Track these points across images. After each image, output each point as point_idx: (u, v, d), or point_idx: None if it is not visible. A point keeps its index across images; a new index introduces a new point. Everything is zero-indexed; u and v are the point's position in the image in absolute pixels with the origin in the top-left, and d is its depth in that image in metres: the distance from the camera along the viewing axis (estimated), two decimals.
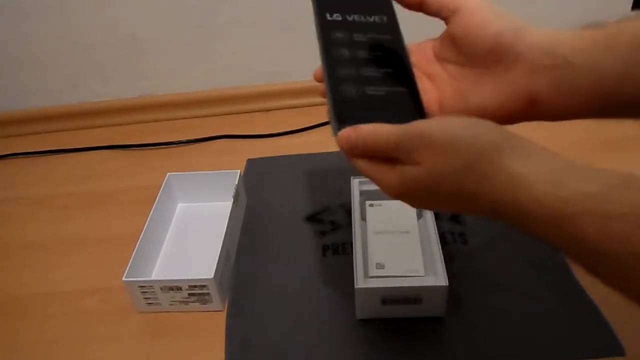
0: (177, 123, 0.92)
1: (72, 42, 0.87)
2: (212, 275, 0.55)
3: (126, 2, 0.83)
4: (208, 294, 0.57)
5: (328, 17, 0.43)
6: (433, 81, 0.43)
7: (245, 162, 0.79)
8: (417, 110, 0.38)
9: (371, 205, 0.63)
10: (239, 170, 0.68)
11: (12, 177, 0.85)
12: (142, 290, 0.57)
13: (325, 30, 0.42)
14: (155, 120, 0.93)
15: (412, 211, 0.62)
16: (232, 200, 0.65)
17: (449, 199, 0.34)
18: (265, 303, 0.58)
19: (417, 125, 0.34)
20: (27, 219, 0.76)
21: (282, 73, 0.91)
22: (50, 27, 0.85)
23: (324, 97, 0.39)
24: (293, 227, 0.67)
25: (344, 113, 0.37)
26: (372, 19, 0.44)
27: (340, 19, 0.43)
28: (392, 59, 0.41)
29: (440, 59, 0.43)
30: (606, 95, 0.35)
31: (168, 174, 0.70)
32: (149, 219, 0.63)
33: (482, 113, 0.38)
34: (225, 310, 0.58)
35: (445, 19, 0.41)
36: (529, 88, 0.37)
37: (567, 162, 0.32)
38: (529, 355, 0.50)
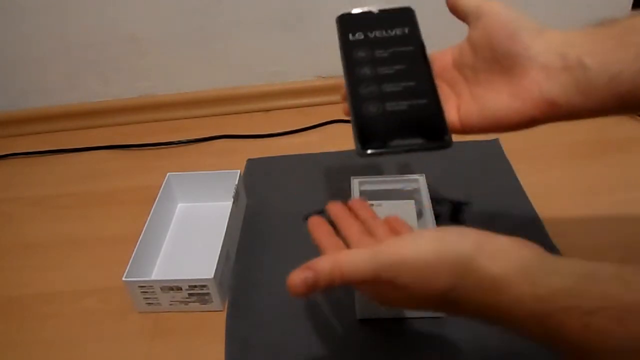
0: (177, 123, 0.92)
1: (72, 42, 0.87)
2: (212, 275, 0.55)
3: (126, 2, 0.83)
4: (208, 294, 0.57)
5: (351, 37, 0.44)
6: (452, 87, 0.43)
7: (245, 162, 0.79)
8: (439, 127, 0.38)
9: (371, 205, 0.63)
10: (239, 170, 0.68)
11: (12, 177, 0.85)
12: (142, 290, 0.57)
13: (348, 51, 0.43)
14: (155, 120, 0.93)
15: (412, 211, 0.62)
16: (232, 200, 0.65)
17: (431, 307, 0.36)
18: (265, 303, 0.58)
19: (391, 253, 0.35)
20: (27, 219, 0.76)
21: (282, 73, 0.91)
22: (50, 27, 0.85)
23: (349, 116, 0.40)
24: (293, 227, 0.67)
25: (366, 134, 0.38)
26: (394, 33, 0.44)
27: (362, 37, 0.44)
28: (415, 72, 0.41)
29: (459, 64, 0.43)
30: (623, 93, 0.35)
31: (168, 174, 0.70)
32: (149, 219, 0.63)
33: (499, 117, 0.39)
34: (225, 310, 0.58)
35: (470, 24, 0.41)
36: (544, 91, 0.37)
37: (540, 255, 0.32)
38: (529, 356, 0.50)
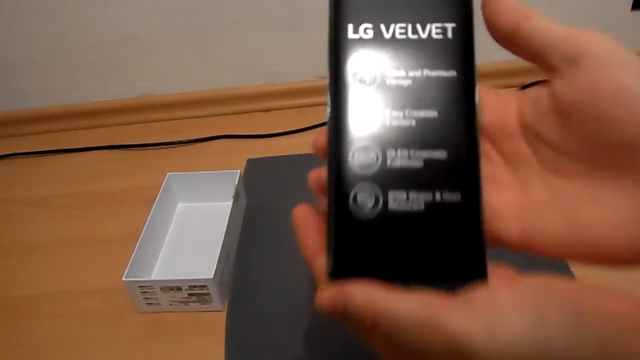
0: (177, 123, 0.92)
1: (73, 42, 0.87)
2: (212, 275, 0.55)
3: (126, 2, 0.83)
4: (208, 294, 0.57)
5: (351, 31, 0.25)
6: (513, 169, 0.25)
7: (245, 162, 0.79)
8: (470, 256, 0.23)
9: None
10: (239, 170, 0.68)
11: (12, 177, 0.85)
12: (142, 290, 0.57)
13: (340, 58, 0.25)
14: (155, 120, 0.93)
15: None
16: (232, 200, 0.65)
17: None
18: (265, 303, 0.58)
19: (455, 336, 0.20)
20: (27, 219, 0.76)
21: (282, 73, 0.91)
22: (51, 27, 0.85)
23: (323, 193, 0.25)
24: (293, 227, 0.66)
25: (346, 251, 0.23)
26: (426, 34, 0.25)
27: (370, 36, 0.25)
28: (451, 129, 0.24)
29: (531, 132, 0.25)
30: None
31: (168, 174, 0.70)
32: (149, 219, 0.63)
33: (601, 243, 0.22)
34: (225, 310, 0.58)
35: (553, 70, 0.23)
36: None
37: None
38: None
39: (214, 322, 0.57)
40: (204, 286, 0.56)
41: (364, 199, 0.23)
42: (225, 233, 0.60)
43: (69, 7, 0.83)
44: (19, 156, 0.88)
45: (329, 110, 0.25)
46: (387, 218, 0.23)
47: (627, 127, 0.21)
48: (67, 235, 0.72)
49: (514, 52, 0.25)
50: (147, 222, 0.62)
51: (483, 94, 0.26)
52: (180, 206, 0.72)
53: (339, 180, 0.24)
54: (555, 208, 0.23)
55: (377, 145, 0.24)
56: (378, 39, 0.25)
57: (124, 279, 0.56)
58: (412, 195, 0.23)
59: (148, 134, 0.89)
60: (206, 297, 0.57)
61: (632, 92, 0.21)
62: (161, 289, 0.56)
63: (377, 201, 0.23)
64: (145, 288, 0.57)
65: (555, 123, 0.23)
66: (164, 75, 0.91)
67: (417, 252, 0.23)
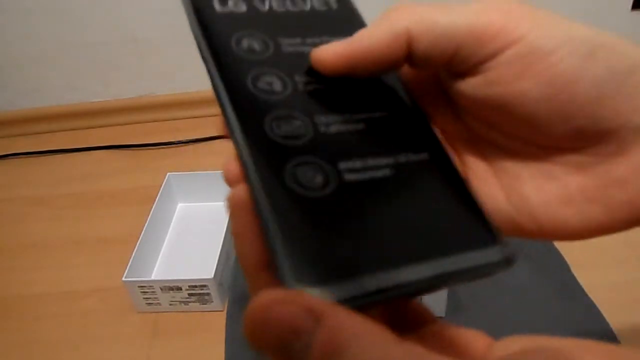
0: (177, 123, 0.92)
1: (72, 42, 0.87)
2: (212, 275, 0.55)
3: (126, 2, 0.83)
4: (208, 294, 0.56)
5: (217, 6, 0.21)
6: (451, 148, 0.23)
7: None
8: (474, 220, 0.18)
9: None
10: None
11: (12, 177, 0.85)
12: (142, 290, 0.57)
13: (215, 31, 0.21)
14: (155, 120, 0.93)
15: None
16: None
17: None
18: None
19: None
20: (27, 219, 0.76)
21: None
22: (51, 27, 0.85)
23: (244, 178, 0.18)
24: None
25: (305, 249, 0.16)
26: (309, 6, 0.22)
27: (244, 9, 0.21)
28: (376, 86, 0.21)
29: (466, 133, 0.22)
30: None
31: (168, 174, 0.70)
32: (149, 219, 0.63)
33: (554, 230, 0.21)
34: (225, 310, 0.58)
35: (476, 67, 0.20)
36: None
37: None
38: None
39: (214, 322, 0.57)
40: (204, 286, 0.56)
41: (310, 176, 0.17)
42: (225, 233, 0.60)
43: (69, 7, 0.83)
44: (19, 156, 0.88)
45: (221, 94, 0.20)
46: (345, 193, 0.17)
47: (573, 114, 0.19)
48: (67, 235, 0.72)
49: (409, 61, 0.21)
50: (147, 222, 0.62)
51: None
52: (180, 206, 0.72)
53: (266, 161, 0.17)
54: (503, 196, 0.21)
55: (299, 113, 0.19)
56: (257, 11, 0.21)
57: (124, 279, 0.56)
58: (370, 161, 0.18)
59: (148, 134, 0.89)
60: (206, 297, 0.57)
61: (570, 72, 0.19)
62: (161, 289, 0.56)
63: (326, 176, 0.17)
64: (145, 288, 0.57)
65: (493, 117, 0.21)
66: (164, 75, 0.91)
67: (403, 228, 0.17)
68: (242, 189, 0.18)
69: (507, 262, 0.17)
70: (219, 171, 0.75)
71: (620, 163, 0.20)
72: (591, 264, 0.57)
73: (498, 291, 0.56)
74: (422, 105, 0.22)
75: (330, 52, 0.20)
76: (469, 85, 0.20)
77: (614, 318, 0.52)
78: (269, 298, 0.14)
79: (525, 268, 0.58)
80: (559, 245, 0.60)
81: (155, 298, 0.57)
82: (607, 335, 0.51)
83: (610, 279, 0.56)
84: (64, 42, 0.86)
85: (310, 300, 0.14)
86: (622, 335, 0.51)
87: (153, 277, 0.62)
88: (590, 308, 0.54)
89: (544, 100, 0.19)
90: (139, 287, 0.56)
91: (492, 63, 0.19)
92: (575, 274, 0.57)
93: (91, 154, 0.87)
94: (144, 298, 0.57)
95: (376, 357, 0.13)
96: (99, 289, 0.63)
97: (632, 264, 0.58)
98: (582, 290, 0.55)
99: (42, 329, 0.59)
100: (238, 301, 0.59)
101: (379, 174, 0.18)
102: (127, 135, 0.89)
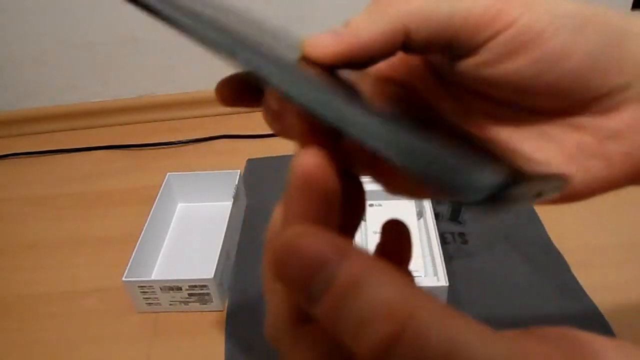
0: (177, 123, 0.92)
1: (72, 42, 0.87)
2: (212, 275, 0.55)
3: (126, 3, 0.83)
4: (208, 294, 0.57)
5: None
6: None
7: (245, 162, 0.79)
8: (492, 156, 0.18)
9: (371, 205, 0.63)
10: (239, 170, 0.68)
11: (12, 177, 0.84)
12: (141, 290, 0.57)
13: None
14: (155, 120, 0.93)
15: (412, 211, 0.62)
16: (232, 200, 0.64)
17: None
18: (265, 303, 0.58)
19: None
20: (27, 219, 0.76)
21: None
22: (50, 27, 0.85)
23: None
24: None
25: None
26: None
27: None
28: None
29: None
30: None
31: (168, 174, 0.70)
32: (149, 219, 0.63)
33: None
34: (225, 310, 0.58)
35: (472, 50, 0.21)
36: None
37: None
38: None
39: (214, 322, 0.57)
40: (204, 286, 0.56)
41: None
42: (225, 233, 0.60)
43: (69, 7, 0.83)
44: (19, 156, 0.88)
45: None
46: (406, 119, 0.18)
47: (563, 81, 0.20)
48: (67, 235, 0.72)
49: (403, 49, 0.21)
50: (147, 222, 0.62)
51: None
52: (180, 206, 0.72)
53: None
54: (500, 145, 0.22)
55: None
56: None
57: (124, 279, 0.56)
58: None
59: (148, 134, 0.89)
60: (206, 297, 0.57)
61: (559, 48, 0.20)
62: (161, 289, 0.56)
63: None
64: (145, 288, 0.56)
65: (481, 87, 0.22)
66: (164, 75, 0.91)
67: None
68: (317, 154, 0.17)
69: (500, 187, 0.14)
70: (219, 171, 0.75)
71: (612, 119, 0.21)
72: (591, 264, 0.57)
73: (498, 291, 0.56)
74: (413, 86, 0.23)
75: (325, 46, 0.20)
76: (465, 67, 0.21)
77: (614, 318, 0.52)
78: (298, 231, 0.15)
79: (525, 268, 0.58)
80: (559, 245, 0.60)
81: (155, 298, 0.57)
82: (606, 335, 0.51)
83: (610, 279, 0.56)
84: (64, 42, 0.86)
85: (336, 237, 0.15)
86: (622, 336, 0.51)
87: (153, 277, 0.62)
88: (590, 308, 0.54)
89: (538, 76, 0.20)
90: (139, 287, 0.56)
91: (488, 46, 0.20)
92: (575, 274, 0.57)
93: (91, 154, 0.87)
94: (144, 298, 0.57)
95: (393, 294, 0.14)
96: (99, 289, 0.63)
97: (632, 264, 0.58)
98: (582, 290, 0.55)
99: (42, 329, 0.59)
100: (238, 301, 0.59)
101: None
102: (127, 135, 0.89)
